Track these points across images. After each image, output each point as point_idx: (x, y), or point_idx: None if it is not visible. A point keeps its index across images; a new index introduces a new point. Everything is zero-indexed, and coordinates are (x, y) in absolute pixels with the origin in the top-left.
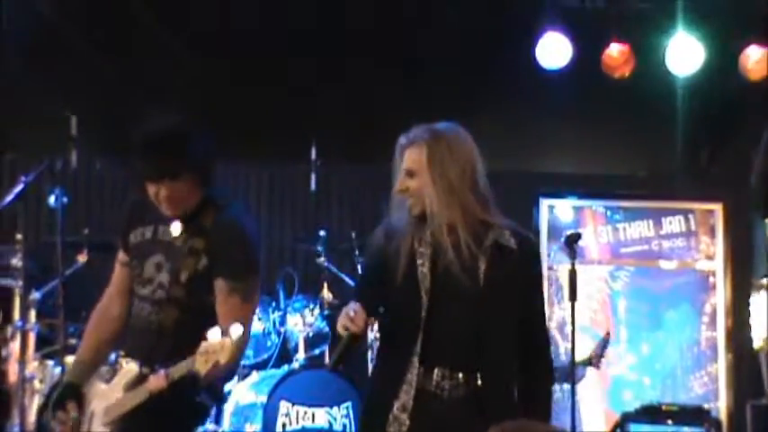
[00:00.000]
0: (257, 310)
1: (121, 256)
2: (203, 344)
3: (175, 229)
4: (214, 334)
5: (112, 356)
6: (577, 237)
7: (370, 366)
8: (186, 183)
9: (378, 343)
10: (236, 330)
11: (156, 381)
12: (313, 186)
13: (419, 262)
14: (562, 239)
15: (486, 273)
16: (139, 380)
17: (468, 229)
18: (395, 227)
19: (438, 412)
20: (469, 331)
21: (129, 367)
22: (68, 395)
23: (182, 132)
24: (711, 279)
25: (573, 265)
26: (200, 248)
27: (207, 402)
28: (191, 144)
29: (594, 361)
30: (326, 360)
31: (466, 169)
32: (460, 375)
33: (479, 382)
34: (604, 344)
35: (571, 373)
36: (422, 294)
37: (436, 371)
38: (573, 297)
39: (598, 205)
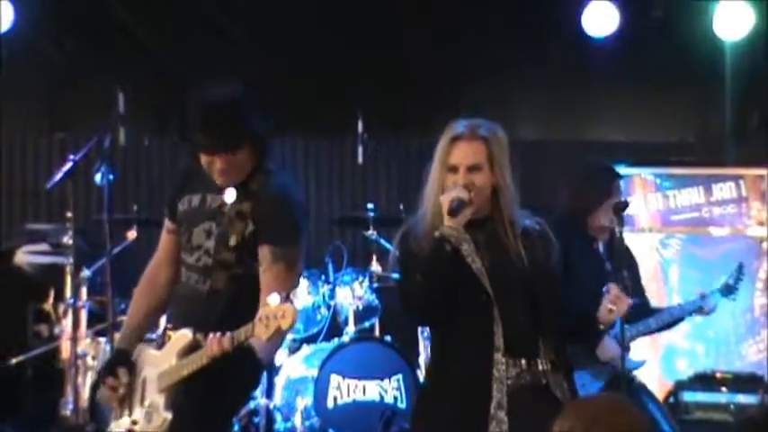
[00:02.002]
0: (306, 285)
1: (168, 223)
2: (262, 310)
3: (230, 196)
4: (274, 299)
5: (160, 328)
6: (625, 205)
7: (420, 339)
8: (243, 154)
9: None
10: (297, 296)
11: (218, 344)
12: (360, 159)
13: (468, 260)
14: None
15: (529, 258)
16: (193, 346)
17: (513, 223)
18: (418, 232)
19: (527, 403)
20: (532, 319)
21: (182, 333)
22: (119, 361)
23: (240, 103)
24: (764, 245)
25: (621, 233)
26: (247, 212)
27: (259, 374)
28: (249, 115)
29: (730, 290)
30: (377, 333)
31: (510, 169)
32: (533, 363)
33: (547, 366)
34: (739, 273)
35: (622, 344)
36: (487, 290)
37: (518, 362)
38: (620, 266)
39: (647, 173)
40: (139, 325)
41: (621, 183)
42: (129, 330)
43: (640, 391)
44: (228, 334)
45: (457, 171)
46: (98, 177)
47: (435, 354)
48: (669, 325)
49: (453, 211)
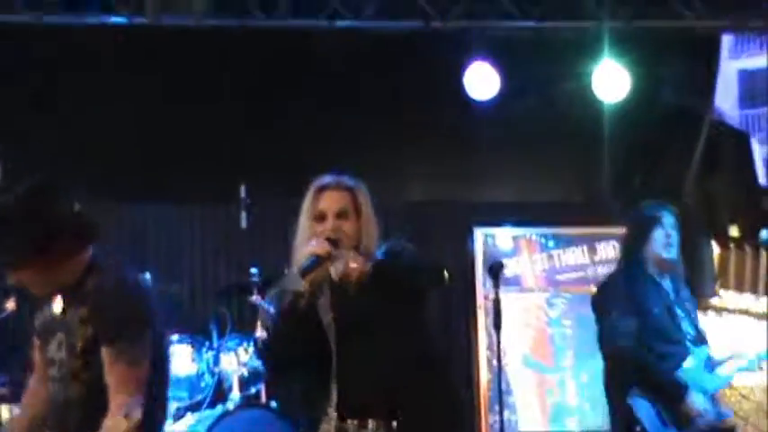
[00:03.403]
0: (190, 351)
1: (35, 340)
2: (103, 426)
3: (57, 307)
4: (112, 415)
5: None
6: (500, 266)
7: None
8: (32, 268)
9: None
10: (136, 414)
11: None
12: (243, 224)
13: (321, 313)
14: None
15: (374, 305)
16: None
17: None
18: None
19: None
20: (373, 366)
21: None
22: None
23: (11, 217)
24: None
25: (497, 294)
26: (85, 317)
27: None
28: (25, 228)
29: None
30: (263, 398)
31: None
32: (374, 422)
33: (395, 425)
34: None
35: (500, 400)
36: (331, 345)
37: (351, 421)
38: (498, 326)
39: (532, 233)
40: None
41: (666, 215)
42: None
43: None
44: None
45: (325, 218)
46: None
47: None
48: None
49: (304, 271)
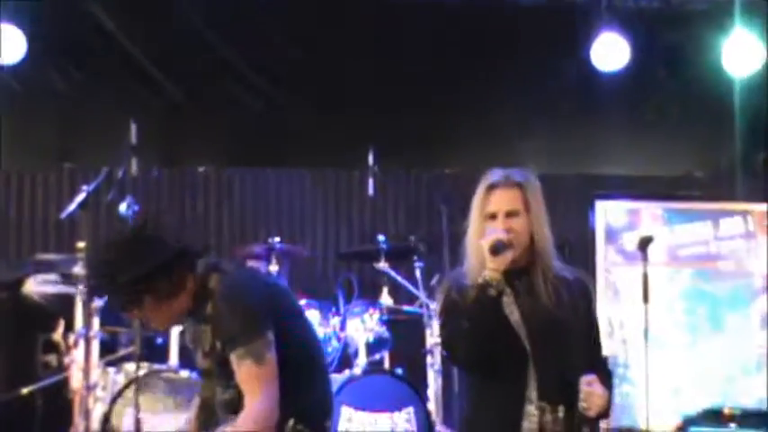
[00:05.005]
0: (317, 316)
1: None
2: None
3: (190, 325)
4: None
5: None
6: (649, 240)
7: (430, 372)
8: (143, 308)
9: (438, 348)
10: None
11: None
12: (371, 192)
13: (506, 311)
14: (635, 242)
15: (567, 303)
16: None
17: (550, 269)
18: (461, 282)
19: None
20: (565, 365)
21: None
22: None
23: (110, 264)
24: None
25: (645, 267)
26: (209, 331)
27: None
28: (123, 276)
29: None
30: (387, 365)
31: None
32: (569, 412)
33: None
34: None
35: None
36: (523, 341)
37: (555, 410)
38: (646, 299)
39: (655, 207)
40: None
41: None
42: None
43: None
44: None
45: (495, 218)
46: (123, 208)
47: (470, 402)
48: None
49: (495, 250)
